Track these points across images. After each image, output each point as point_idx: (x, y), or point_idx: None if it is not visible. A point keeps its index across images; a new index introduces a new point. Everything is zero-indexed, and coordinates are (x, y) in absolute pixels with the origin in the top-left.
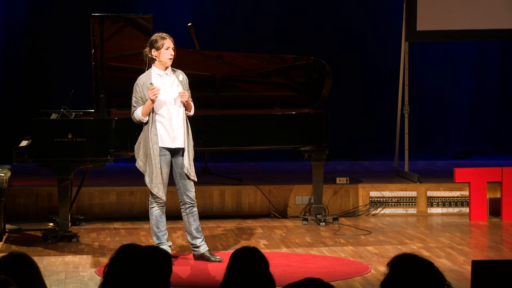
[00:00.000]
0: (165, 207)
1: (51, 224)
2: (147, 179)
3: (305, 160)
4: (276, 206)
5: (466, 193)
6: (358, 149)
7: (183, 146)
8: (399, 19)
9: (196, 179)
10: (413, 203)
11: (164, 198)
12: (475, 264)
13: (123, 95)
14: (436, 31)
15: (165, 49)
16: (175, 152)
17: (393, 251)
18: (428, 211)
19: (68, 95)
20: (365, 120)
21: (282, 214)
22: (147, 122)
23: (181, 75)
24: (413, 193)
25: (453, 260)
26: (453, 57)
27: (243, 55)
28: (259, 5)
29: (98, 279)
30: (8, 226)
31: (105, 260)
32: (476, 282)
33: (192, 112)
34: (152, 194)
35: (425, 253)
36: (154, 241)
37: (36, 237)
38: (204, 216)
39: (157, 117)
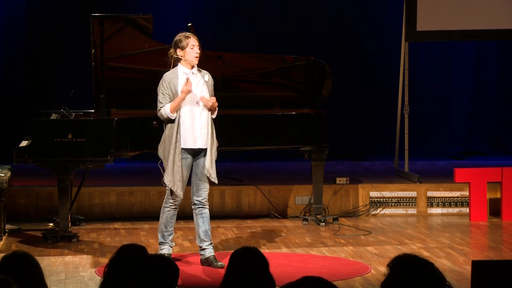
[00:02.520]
0: (178, 209)
1: (51, 224)
2: (167, 178)
3: (305, 160)
4: (276, 206)
5: (466, 193)
6: (358, 149)
7: (205, 147)
8: (399, 19)
9: (216, 181)
10: (413, 203)
11: (181, 197)
12: (475, 264)
13: (123, 95)
14: (436, 31)
15: (190, 48)
16: (197, 153)
17: (393, 251)
18: (428, 211)
19: (68, 95)
20: (365, 120)
21: (282, 214)
22: (170, 121)
23: (207, 76)
24: (413, 193)
25: (453, 260)
26: (453, 57)
27: (243, 55)
28: (259, 5)
29: (98, 279)
30: (8, 226)
31: (105, 260)
32: (476, 282)
33: (214, 115)
34: (171, 193)
35: (425, 253)
36: (158, 237)
37: (36, 237)
38: None
39: (180, 117)
